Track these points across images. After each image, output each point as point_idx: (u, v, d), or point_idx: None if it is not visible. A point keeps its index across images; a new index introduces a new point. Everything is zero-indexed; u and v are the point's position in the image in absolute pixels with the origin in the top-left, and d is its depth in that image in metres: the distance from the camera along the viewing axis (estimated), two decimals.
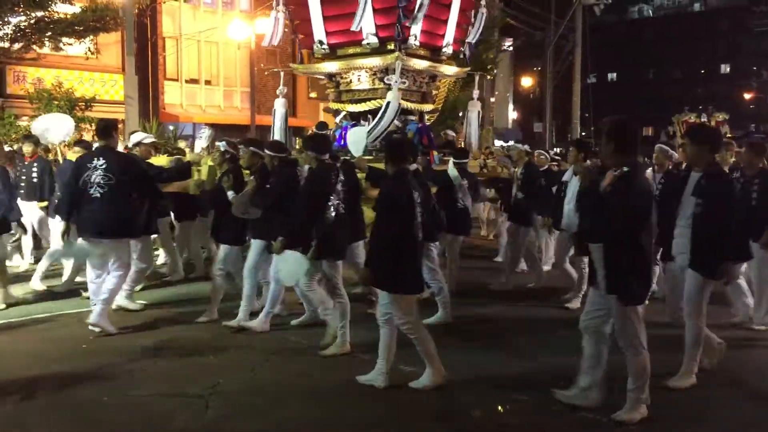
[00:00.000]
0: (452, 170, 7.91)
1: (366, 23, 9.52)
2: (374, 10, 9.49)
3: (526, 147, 9.68)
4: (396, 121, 9.76)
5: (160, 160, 8.47)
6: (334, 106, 10.69)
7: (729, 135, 29.18)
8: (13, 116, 14.82)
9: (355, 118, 10.28)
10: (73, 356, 5.63)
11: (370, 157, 8.95)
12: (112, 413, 4.47)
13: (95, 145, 7.49)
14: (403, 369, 5.15)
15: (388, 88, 9.55)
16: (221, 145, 7.23)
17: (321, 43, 10.24)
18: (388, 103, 9.36)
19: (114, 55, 21.14)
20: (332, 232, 5.70)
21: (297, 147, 10.49)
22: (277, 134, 10.75)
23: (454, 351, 5.58)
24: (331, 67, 10.31)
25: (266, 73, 11.37)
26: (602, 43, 50.44)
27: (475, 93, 11.78)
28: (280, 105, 10.99)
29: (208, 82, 25.22)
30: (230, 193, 6.41)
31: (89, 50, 16.62)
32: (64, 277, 8.19)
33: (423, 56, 10.26)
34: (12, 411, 4.51)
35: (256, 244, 6.46)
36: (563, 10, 28.16)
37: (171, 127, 21.41)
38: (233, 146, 7.03)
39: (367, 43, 9.68)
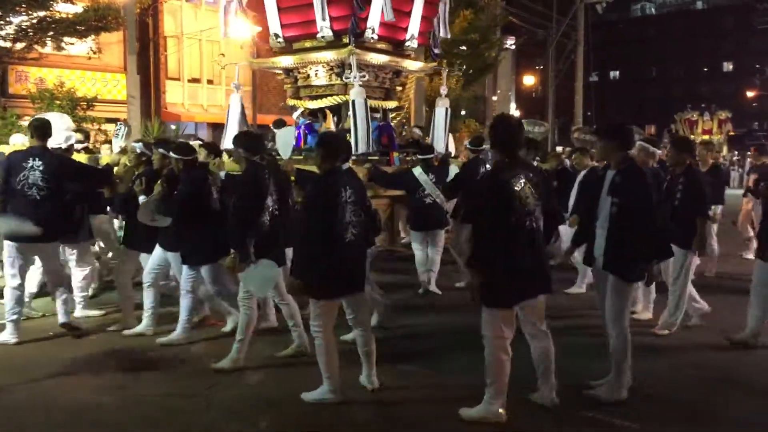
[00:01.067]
0: (417, 168, 7.82)
1: (320, 15, 9.06)
2: (329, 1, 9.03)
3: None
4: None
5: (79, 157, 7.91)
6: (291, 102, 10.21)
7: (732, 133, 29.15)
8: (15, 116, 14.81)
9: (314, 115, 9.85)
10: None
11: (299, 157, 8.66)
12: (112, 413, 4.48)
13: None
14: (402, 368, 5.15)
15: (346, 85, 9.06)
16: (137, 146, 6.90)
17: (276, 36, 9.73)
18: (353, 102, 8.79)
19: (116, 54, 21.15)
20: (269, 237, 5.26)
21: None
22: (230, 133, 9.96)
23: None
24: (287, 61, 9.81)
25: (222, 67, 10.84)
26: (605, 41, 50.36)
27: (443, 89, 11.05)
28: (235, 101, 10.30)
29: (210, 82, 25.22)
30: (141, 198, 6.04)
31: (91, 50, 16.60)
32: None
33: (383, 50, 9.72)
34: (10, 412, 4.52)
35: (158, 253, 6.15)
36: (565, 8, 28.14)
37: (173, 127, 21.45)
38: (149, 147, 6.63)
39: (322, 36, 9.21)
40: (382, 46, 9.69)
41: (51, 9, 14.77)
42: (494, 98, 36.61)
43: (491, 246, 4.15)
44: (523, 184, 4.14)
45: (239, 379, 5.12)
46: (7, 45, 15.05)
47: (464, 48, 23.54)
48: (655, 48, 64.15)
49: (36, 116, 7.40)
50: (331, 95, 9.51)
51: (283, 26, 9.67)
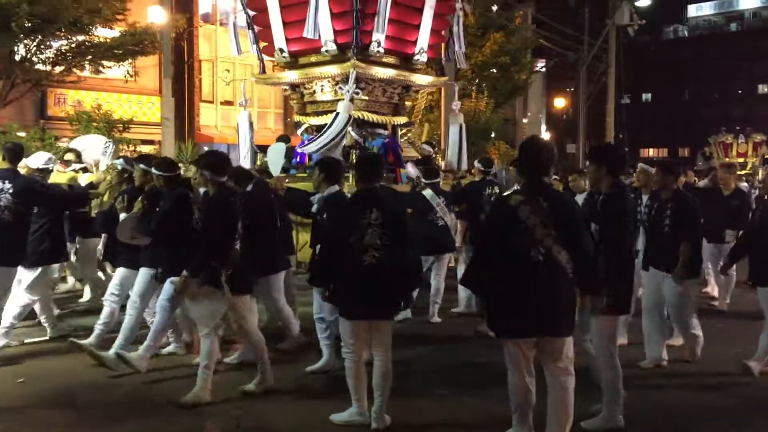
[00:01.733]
0: (428, 191, 7.52)
1: (324, 29, 8.78)
2: (332, 15, 8.76)
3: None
4: (353, 134, 8.96)
5: (63, 177, 7.82)
6: (297, 118, 9.94)
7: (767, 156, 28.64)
8: (53, 137, 15.15)
9: (320, 131, 9.30)
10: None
11: (303, 175, 8.50)
12: None
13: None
14: (439, 392, 5.13)
15: (352, 100, 8.81)
16: (118, 162, 6.71)
17: (281, 51, 9.48)
18: (337, 114, 8.56)
19: (151, 77, 21.56)
20: (238, 266, 5.01)
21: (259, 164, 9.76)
22: (242, 151, 9.91)
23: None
24: (291, 76, 9.58)
25: (227, 83, 10.90)
26: (636, 64, 50.04)
27: (455, 105, 10.68)
28: (243, 118, 10.04)
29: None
30: (122, 216, 5.79)
31: (128, 73, 16.96)
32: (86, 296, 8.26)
33: (390, 64, 9.44)
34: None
35: (143, 273, 5.81)
36: (597, 31, 28.04)
37: (206, 148, 21.73)
38: (132, 163, 6.37)
39: (326, 51, 8.95)
40: (389, 60, 9.42)
41: (90, 34, 15.13)
42: (524, 120, 36.54)
43: (487, 271, 3.97)
44: (529, 212, 3.83)
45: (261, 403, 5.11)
46: (47, 68, 15.43)
47: (494, 71, 23.57)
48: (689, 70, 63.58)
49: (12, 141, 7.58)
50: (336, 111, 9.01)
51: (288, 41, 9.44)
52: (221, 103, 25.02)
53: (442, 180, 8.27)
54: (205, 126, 24.40)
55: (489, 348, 5.59)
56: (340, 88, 8.84)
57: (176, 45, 21.97)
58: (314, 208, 5.61)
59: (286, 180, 8.70)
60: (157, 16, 18.24)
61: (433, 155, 10.71)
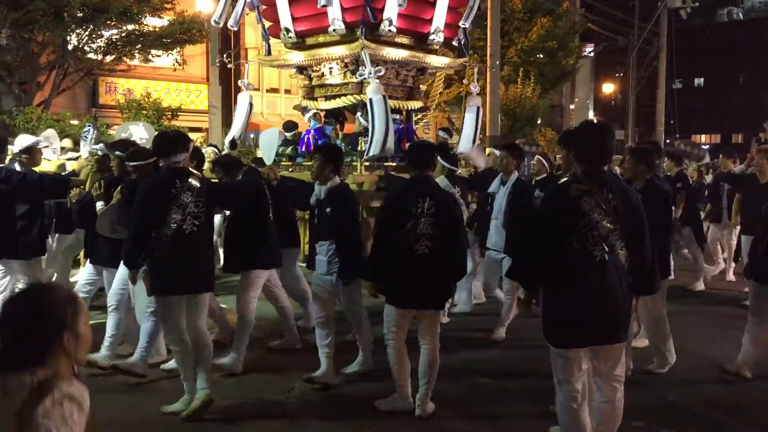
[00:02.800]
0: (442, 179, 6.43)
1: (332, 6, 8.17)
2: None
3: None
4: (362, 120, 8.28)
5: (52, 165, 7.44)
6: (304, 103, 9.34)
7: None
8: (105, 125, 15.48)
9: (332, 116, 9.08)
10: None
11: (309, 163, 7.66)
12: None
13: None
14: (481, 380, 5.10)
15: (362, 83, 8.23)
16: (98, 147, 6.33)
17: (287, 31, 8.83)
18: (371, 100, 7.89)
19: (199, 65, 21.81)
20: (172, 258, 4.46)
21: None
22: (236, 132, 9.54)
23: None
24: (297, 58, 8.96)
25: (229, 65, 10.18)
26: (689, 48, 48.74)
27: (474, 87, 9.84)
28: (243, 99, 9.68)
29: (287, 91, 25.71)
30: (99, 205, 5.28)
31: (176, 61, 17.20)
32: None
33: (403, 45, 8.78)
34: None
35: (123, 271, 5.19)
36: (647, 14, 27.40)
37: (252, 135, 21.94)
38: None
39: (334, 30, 8.30)
40: (403, 40, 8.78)
41: (139, 23, 15.38)
42: (572, 107, 35.93)
43: (544, 273, 3.55)
44: (594, 204, 3.42)
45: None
46: (98, 57, 15.75)
47: (541, 56, 23.22)
48: (743, 54, 61.62)
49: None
50: (345, 95, 8.71)
51: (294, 20, 8.81)
52: (267, 91, 25.20)
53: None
54: (252, 113, 24.59)
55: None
56: (360, 74, 8.17)
57: (223, 33, 22.17)
58: (312, 200, 5.17)
59: (290, 169, 8.32)
60: (205, 5, 18.43)
61: (447, 142, 10.00)
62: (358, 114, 8.55)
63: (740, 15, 69.64)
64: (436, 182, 4.86)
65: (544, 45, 22.81)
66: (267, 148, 6.65)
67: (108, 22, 14.55)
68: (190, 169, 4.81)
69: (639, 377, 5.23)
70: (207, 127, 20.60)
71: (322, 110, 9.10)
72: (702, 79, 65.75)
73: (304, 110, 9.38)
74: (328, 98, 9.02)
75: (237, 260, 5.70)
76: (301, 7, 8.63)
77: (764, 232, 5.33)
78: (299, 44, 9.03)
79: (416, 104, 9.37)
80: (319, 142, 8.62)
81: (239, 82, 10.03)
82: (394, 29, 8.36)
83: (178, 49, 16.94)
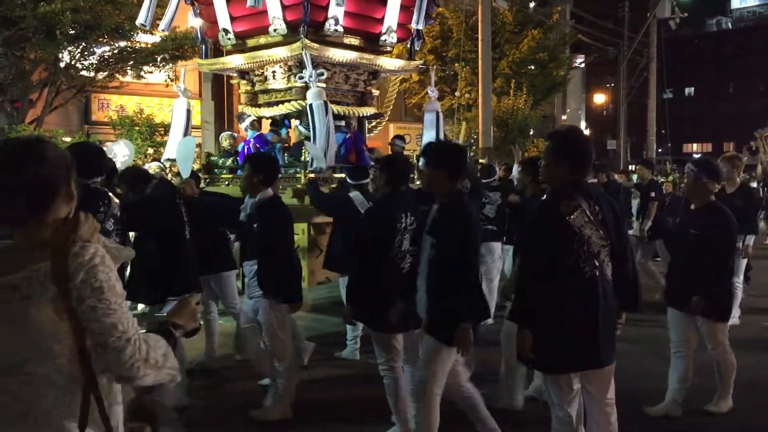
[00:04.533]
0: (356, 194, 5.87)
1: (272, 4, 7.56)
2: None
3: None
4: (302, 128, 7.68)
5: None
6: (245, 109, 8.72)
7: None
8: (97, 142, 15.48)
9: (275, 125, 8.50)
10: None
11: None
12: None
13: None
14: None
15: (307, 87, 7.60)
16: None
17: (226, 32, 8.29)
18: (311, 106, 7.33)
19: (192, 81, 21.83)
20: None
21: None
22: (173, 141, 8.66)
23: None
24: (237, 61, 8.39)
25: (176, 75, 9.44)
26: (679, 57, 49.11)
27: (432, 91, 9.27)
28: (179, 106, 8.84)
29: None
30: None
31: (168, 77, 17.22)
32: None
33: (353, 46, 8.22)
34: None
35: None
36: (637, 25, 27.60)
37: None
38: None
39: (275, 30, 7.74)
40: (352, 41, 8.21)
41: (131, 40, 15.42)
42: (563, 117, 36.12)
43: (534, 295, 3.32)
44: (585, 220, 3.23)
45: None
46: (91, 74, 15.77)
47: (532, 67, 23.37)
48: (733, 63, 62.09)
49: None
50: (289, 100, 8.07)
51: (233, 20, 8.20)
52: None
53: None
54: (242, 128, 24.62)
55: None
56: (300, 77, 7.61)
57: (215, 49, 22.23)
58: (243, 216, 4.68)
59: (227, 183, 7.74)
60: (197, 21, 18.47)
61: (404, 149, 9.50)
62: (296, 122, 8.05)
63: (729, 24, 70.20)
64: (412, 197, 4.65)
65: (535, 57, 22.98)
66: (183, 160, 5.94)
67: (100, 39, 14.59)
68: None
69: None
70: (200, 141, 20.60)
71: (267, 117, 8.56)
72: (692, 89, 66.15)
73: (240, 117, 8.86)
74: (271, 104, 8.44)
75: (146, 289, 4.81)
76: (239, 6, 7.87)
77: (682, 252, 4.72)
78: (240, 46, 8.46)
79: (369, 110, 8.74)
80: (261, 151, 8.21)
81: (174, 87, 9.27)
82: (340, 29, 7.82)
83: (171, 65, 16.97)
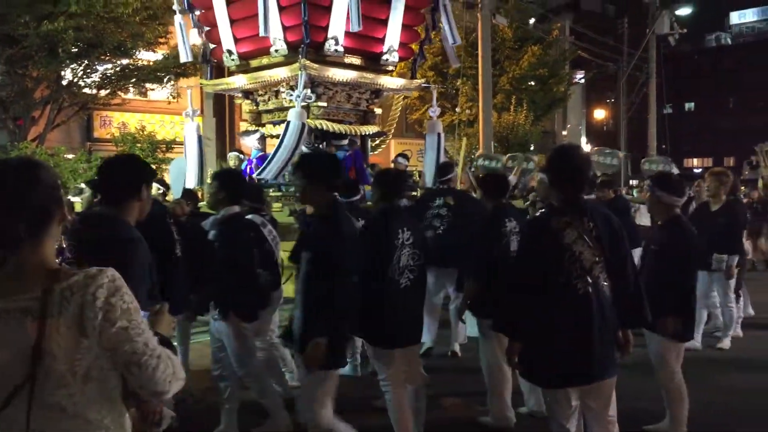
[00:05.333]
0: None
1: (273, 26, 7.61)
2: (280, 8, 7.64)
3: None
4: (303, 147, 7.68)
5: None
6: (247, 127, 8.78)
7: None
8: (99, 159, 15.53)
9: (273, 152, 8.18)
10: None
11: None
12: None
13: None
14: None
15: (308, 107, 7.78)
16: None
17: (230, 53, 8.43)
18: (287, 123, 7.50)
19: (194, 98, 21.91)
20: None
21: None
22: (191, 166, 8.76)
23: None
24: (240, 81, 8.55)
25: (178, 92, 9.59)
26: (678, 73, 49.28)
27: (433, 111, 9.37)
28: (190, 130, 9.08)
29: None
30: None
31: (171, 95, 17.30)
32: None
33: (355, 65, 8.32)
34: None
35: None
36: (636, 41, 27.73)
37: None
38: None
39: (276, 51, 7.89)
40: (353, 60, 8.31)
41: (133, 57, 15.51)
42: (564, 133, 36.21)
43: (527, 310, 3.33)
44: (576, 236, 3.25)
45: None
46: (93, 92, 15.85)
47: (533, 83, 23.46)
48: (733, 78, 62.35)
49: None
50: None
51: (236, 41, 8.35)
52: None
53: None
54: (246, 145, 24.69)
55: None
56: (290, 94, 7.78)
57: (217, 66, 22.36)
58: (211, 235, 4.59)
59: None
60: (199, 39, 18.61)
61: (407, 167, 9.59)
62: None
63: (728, 40, 70.57)
64: (406, 210, 4.68)
65: (535, 73, 23.09)
66: (175, 181, 5.95)
67: (102, 56, 14.68)
68: None
69: None
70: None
71: (272, 136, 8.54)
72: (692, 104, 66.37)
73: (246, 133, 8.89)
74: (275, 123, 8.51)
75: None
76: (242, 27, 8.11)
77: (645, 269, 4.39)
78: (243, 67, 8.57)
79: (371, 129, 8.83)
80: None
81: (183, 112, 9.31)
82: (341, 49, 7.91)
83: (173, 82, 17.05)
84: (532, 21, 24.69)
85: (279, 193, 8.08)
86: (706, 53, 67.24)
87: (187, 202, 5.79)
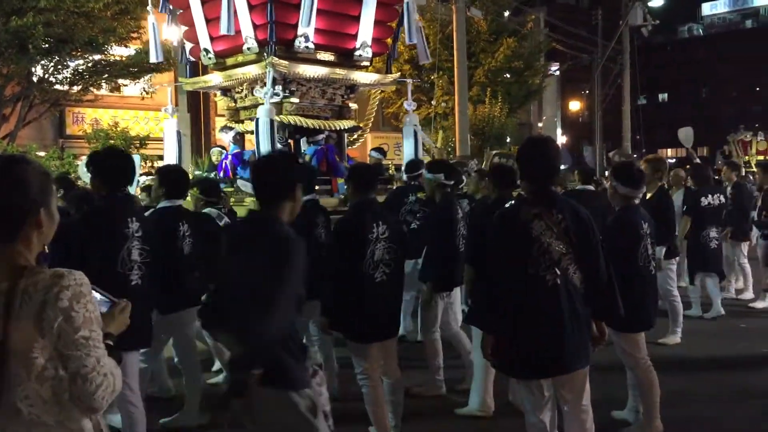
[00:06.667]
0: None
1: (244, 24, 7.77)
2: (250, 7, 7.74)
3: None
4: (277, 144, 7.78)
5: None
6: (227, 123, 9.03)
7: None
8: (72, 156, 15.33)
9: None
10: None
11: (230, 189, 7.49)
12: None
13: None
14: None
15: (282, 103, 7.88)
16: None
17: (207, 51, 8.54)
18: (257, 120, 7.57)
19: (167, 93, 21.78)
20: None
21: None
22: (170, 161, 8.90)
23: None
24: (216, 79, 8.73)
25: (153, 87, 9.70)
26: (652, 64, 49.78)
27: (409, 105, 9.43)
28: (169, 127, 9.21)
29: None
30: None
31: (144, 90, 17.12)
32: None
33: (326, 62, 8.37)
34: None
35: None
36: (611, 33, 27.93)
37: None
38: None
39: (248, 48, 8.00)
40: (326, 56, 8.37)
41: (105, 53, 15.31)
42: (540, 125, 36.41)
43: (497, 302, 3.36)
44: (544, 228, 3.26)
45: None
46: (65, 88, 15.63)
47: (508, 76, 23.55)
48: (705, 69, 63.12)
49: None
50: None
51: (212, 40, 8.46)
52: None
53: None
54: (221, 140, 24.54)
55: None
56: (257, 92, 7.89)
57: (193, 65, 22.17)
58: None
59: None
60: (172, 33, 18.43)
61: (384, 162, 9.72)
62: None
63: (700, 31, 71.38)
64: (381, 205, 4.67)
65: (511, 65, 23.18)
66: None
67: (74, 52, 14.46)
68: None
69: None
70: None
71: (249, 132, 8.61)
72: (666, 95, 67.07)
73: (224, 129, 9.02)
74: (252, 119, 8.45)
75: None
76: (218, 26, 8.06)
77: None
78: (220, 65, 8.72)
79: (347, 123, 8.86)
80: (238, 169, 8.37)
81: (163, 109, 9.38)
82: (311, 46, 8.00)
83: (146, 77, 16.88)
84: (506, 13, 24.77)
85: (231, 189, 8.14)
86: (678, 44, 67.97)
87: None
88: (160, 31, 9.44)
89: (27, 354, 1.68)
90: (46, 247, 4.30)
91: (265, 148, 7.37)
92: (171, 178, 4.83)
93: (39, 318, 1.67)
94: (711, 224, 7.85)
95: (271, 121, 7.49)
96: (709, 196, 7.86)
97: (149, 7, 9.14)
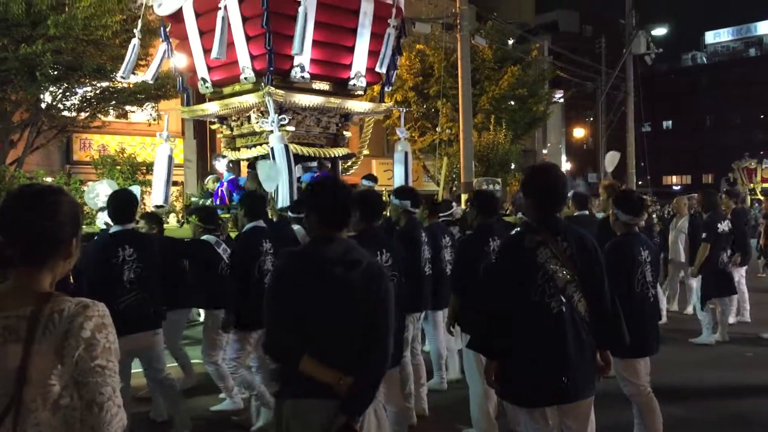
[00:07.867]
0: (299, 229, 6.15)
1: (241, 55, 8.05)
2: (247, 38, 8.00)
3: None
4: (300, 167, 8.06)
5: None
6: (224, 152, 9.23)
7: None
8: (78, 182, 15.41)
9: (252, 167, 8.72)
10: None
11: (227, 215, 7.58)
12: None
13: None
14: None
15: (272, 131, 8.02)
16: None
17: (204, 81, 8.85)
18: (272, 149, 7.78)
19: (174, 120, 21.80)
20: None
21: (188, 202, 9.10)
22: (158, 187, 9.18)
23: None
24: (213, 108, 8.93)
25: (159, 114, 10.16)
26: (656, 92, 49.93)
27: (401, 132, 9.76)
28: (162, 151, 9.32)
29: None
30: None
31: (151, 116, 17.25)
32: None
33: (321, 91, 8.61)
34: None
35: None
36: (614, 61, 28.11)
37: None
38: None
39: (245, 78, 8.26)
40: (321, 86, 8.63)
41: (113, 80, 15.46)
42: (544, 151, 36.52)
43: (498, 328, 3.32)
44: (549, 255, 3.25)
45: None
46: (73, 114, 15.76)
47: (512, 103, 23.68)
48: (709, 96, 63.32)
49: None
50: (263, 144, 8.48)
51: (209, 69, 8.72)
52: None
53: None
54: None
55: None
56: (264, 121, 8.10)
57: (197, 94, 22.37)
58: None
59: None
60: (179, 60, 18.62)
61: (373, 188, 9.91)
62: (249, 169, 8.35)
63: (704, 59, 71.70)
64: (385, 232, 4.71)
65: (515, 92, 23.31)
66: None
67: (82, 79, 14.60)
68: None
69: None
70: (182, 180, 20.62)
71: (245, 159, 8.90)
72: (670, 122, 67.25)
73: (217, 158, 9.32)
74: (249, 147, 8.84)
75: None
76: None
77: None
78: (217, 94, 8.94)
79: (341, 151, 9.05)
80: (234, 195, 8.51)
81: (158, 134, 9.65)
82: (307, 75, 8.21)
83: (153, 104, 17.02)
84: (511, 42, 24.97)
85: (228, 215, 8.25)
86: (682, 72, 68.30)
87: (152, 225, 6.01)
88: (166, 60, 9.59)
89: (45, 381, 1.68)
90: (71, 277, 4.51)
91: (286, 174, 7.55)
92: (115, 205, 4.83)
93: (61, 346, 1.68)
94: (724, 250, 8.13)
95: (286, 147, 7.70)
96: (722, 222, 8.17)
97: (137, 33, 9.54)
